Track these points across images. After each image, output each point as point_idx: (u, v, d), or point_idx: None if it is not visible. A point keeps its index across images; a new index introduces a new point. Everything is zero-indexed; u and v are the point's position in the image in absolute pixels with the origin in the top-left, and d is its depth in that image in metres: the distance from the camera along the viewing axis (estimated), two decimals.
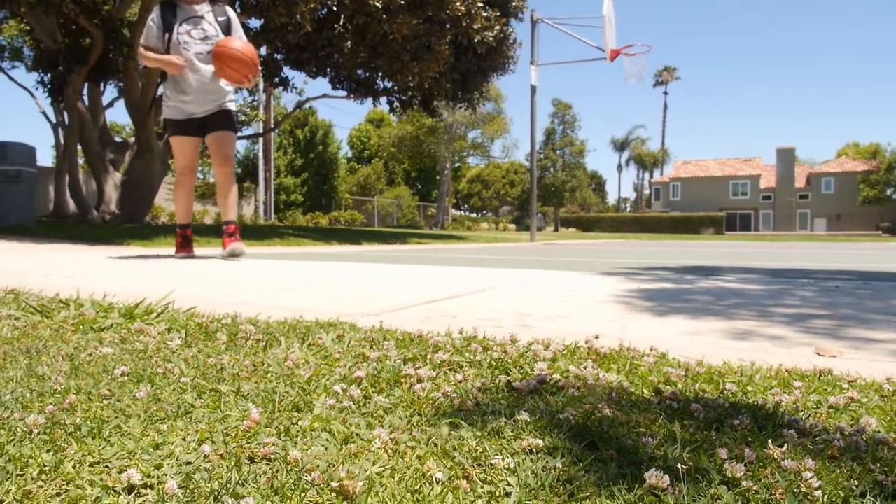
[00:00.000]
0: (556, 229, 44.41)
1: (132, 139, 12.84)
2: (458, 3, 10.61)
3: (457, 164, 46.35)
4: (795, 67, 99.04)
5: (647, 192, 52.42)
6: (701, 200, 47.10)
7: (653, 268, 4.49)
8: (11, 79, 15.31)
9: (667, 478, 0.57)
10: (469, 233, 22.30)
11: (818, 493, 0.56)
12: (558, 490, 0.58)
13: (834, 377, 1.14)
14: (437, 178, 41.37)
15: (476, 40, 11.42)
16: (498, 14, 11.84)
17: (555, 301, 2.27)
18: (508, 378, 1.03)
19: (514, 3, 12.61)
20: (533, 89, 14.69)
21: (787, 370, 1.21)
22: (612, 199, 59.85)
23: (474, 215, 48.92)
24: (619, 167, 55.22)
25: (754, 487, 0.57)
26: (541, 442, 0.70)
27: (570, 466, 0.64)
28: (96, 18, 10.33)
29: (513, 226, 42.70)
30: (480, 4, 11.19)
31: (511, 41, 12.63)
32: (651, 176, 54.45)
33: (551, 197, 46.32)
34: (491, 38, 11.59)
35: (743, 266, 4.77)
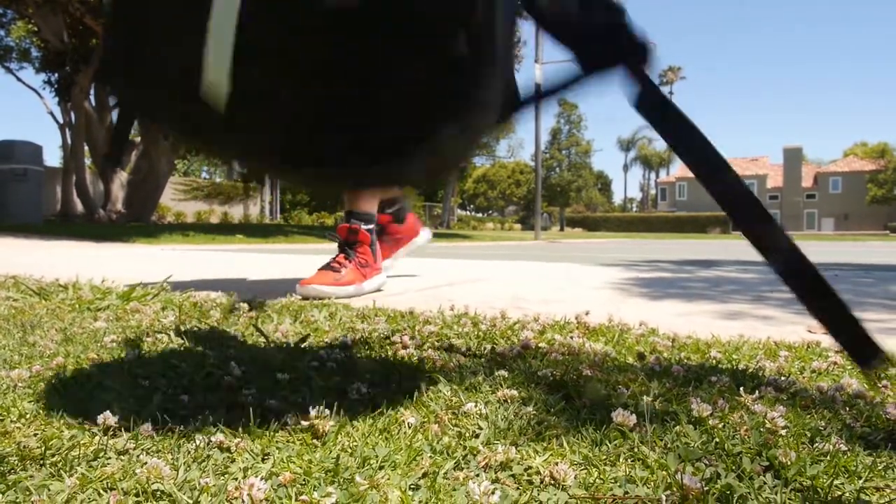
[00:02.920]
0: (561, 229, 44.32)
1: (138, 139, 12.92)
2: None
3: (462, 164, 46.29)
4: (802, 66, 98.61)
5: (653, 192, 52.22)
6: (707, 200, 46.88)
7: (653, 260, 4.49)
8: (19, 79, 15.43)
9: (633, 417, 0.57)
10: (474, 232, 22.31)
11: (783, 431, 0.57)
12: (527, 431, 0.59)
13: (821, 348, 1.14)
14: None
15: None
16: None
17: (551, 287, 2.28)
18: (494, 345, 1.04)
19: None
20: (537, 88, 14.67)
21: (774, 342, 1.21)
22: (617, 199, 59.70)
23: (480, 215, 48.90)
24: (625, 167, 55.08)
25: (720, 425, 0.58)
26: (516, 393, 0.71)
27: (542, 413, 0.64)
28: (103, 18, 10.41)
29: (518, 226, 42.66)
30: None
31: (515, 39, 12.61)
32: (657, 176, 54.28)
33: (557, 197, 46.23)
34: None
35: (745, 259, 4.76)
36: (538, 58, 14.51)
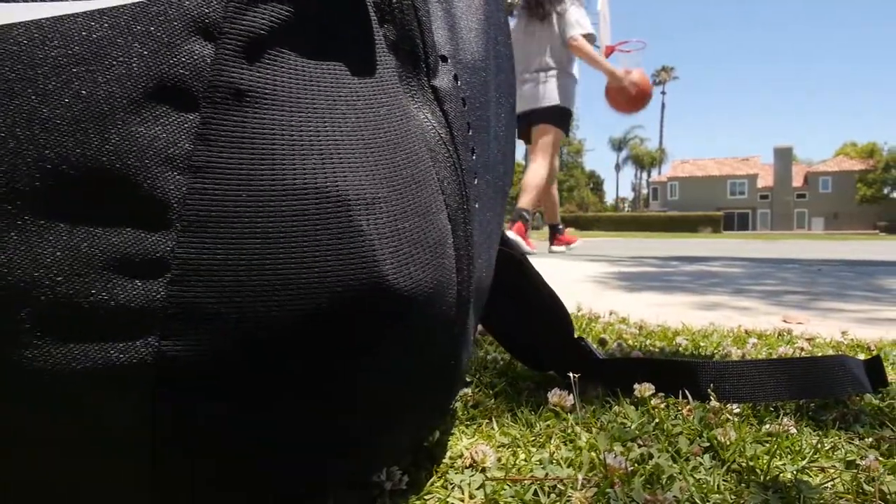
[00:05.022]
0: None
1: None
2: None
3: None
4: (793, 66, 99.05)
5: (644, 191, 52.40)
6: (699, 200, 47.02)
7: (640, 256, 4.46)
8: None
9: (571, 398, 0.54)
10: None
11: (732, 406, 0.53)
12: (459, 414, 0.55)
13: (792, 336, 1.12)
14: None
15: None
16: None
17: None
18: None
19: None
20: None
21: (745, 330, 1.18)
22: (609, 198, 59.78)
23: None
24: (617, 167, 55.17)
25: (662, 405, 0.54)
26: None
27: (479, 395, 0.60)
28: None
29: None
30: None
31: None
32: (649, 175, 54.40)
33: None
34: None
35: (732, 256, 4.74)
36: None
